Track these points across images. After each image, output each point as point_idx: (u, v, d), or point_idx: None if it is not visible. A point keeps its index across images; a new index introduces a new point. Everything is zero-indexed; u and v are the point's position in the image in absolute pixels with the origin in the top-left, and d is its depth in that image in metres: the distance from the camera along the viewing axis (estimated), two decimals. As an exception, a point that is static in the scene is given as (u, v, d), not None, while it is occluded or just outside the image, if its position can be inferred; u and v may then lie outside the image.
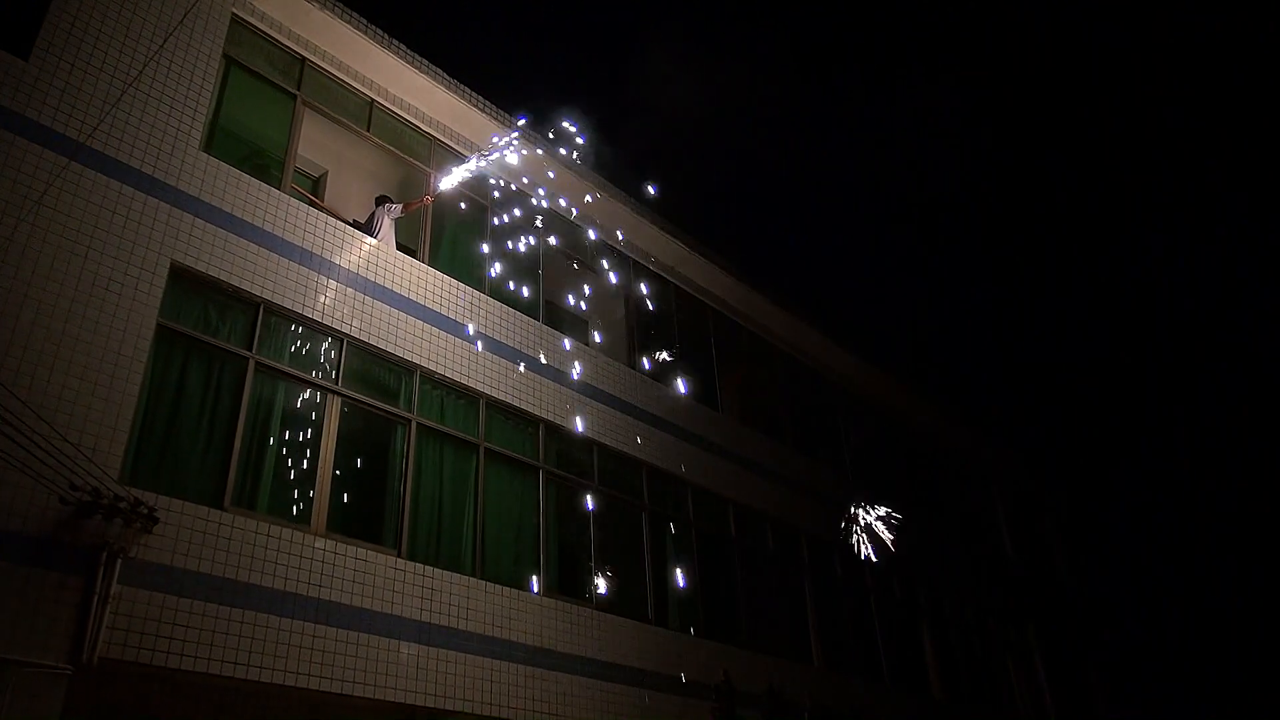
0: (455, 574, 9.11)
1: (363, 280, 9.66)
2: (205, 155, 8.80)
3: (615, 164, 13.11)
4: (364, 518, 9.01)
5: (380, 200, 10.84)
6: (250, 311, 8.59)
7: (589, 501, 11.14)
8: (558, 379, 11.33)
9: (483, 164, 11.44)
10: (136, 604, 6.81)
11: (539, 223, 12.52)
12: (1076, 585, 22.39)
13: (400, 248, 10.62)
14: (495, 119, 11.93)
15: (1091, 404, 52.62)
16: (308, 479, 8.54)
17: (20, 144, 7.46)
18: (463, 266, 11.25)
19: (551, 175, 12.62)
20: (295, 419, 8.75)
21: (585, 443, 11.36)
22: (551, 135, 12.34)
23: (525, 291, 11.82)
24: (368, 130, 10.91)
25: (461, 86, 11.65)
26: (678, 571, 11.98)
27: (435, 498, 9.59)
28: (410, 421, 9.53)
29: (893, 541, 14.84)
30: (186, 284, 8.24)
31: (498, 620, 9.21)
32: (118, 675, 7.04)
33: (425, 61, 11.27)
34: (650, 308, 13.97)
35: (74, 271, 7.40)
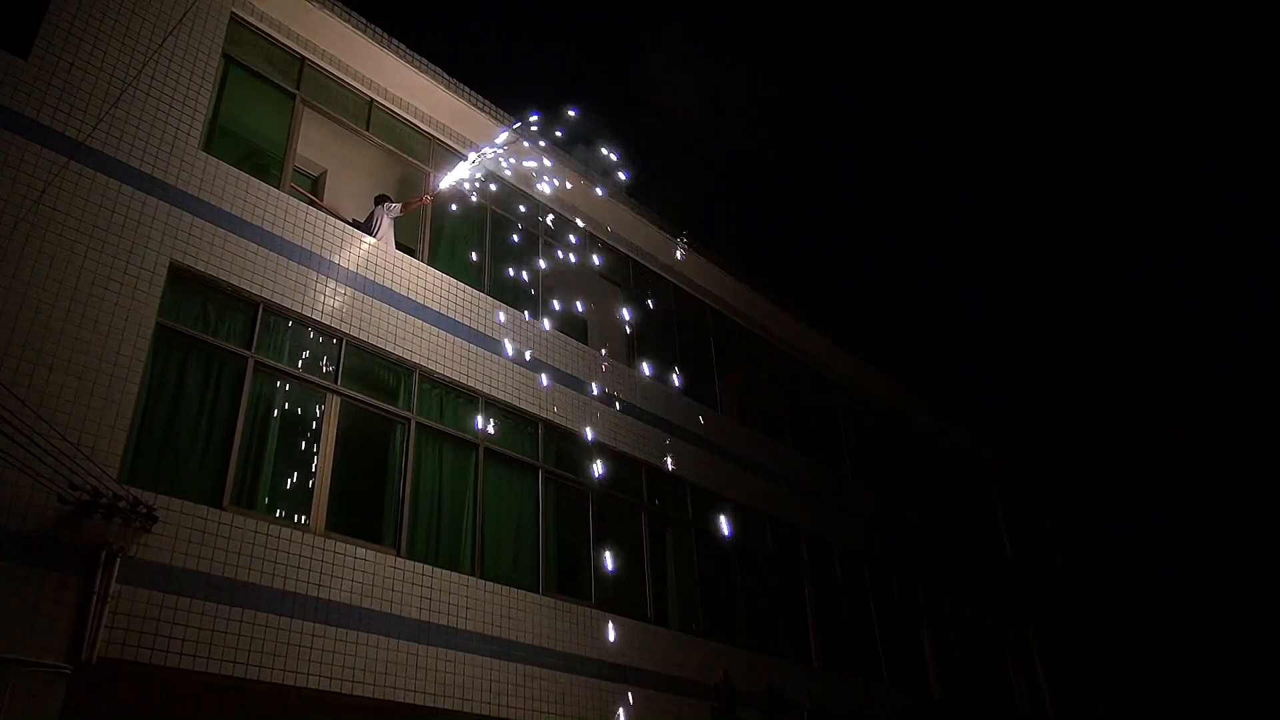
0: (454, 573, 9.11)
1: (362, 279, 9.65)
2: (204, 154, 8.80)
3: (615, 163, 13.10)
4: (363, 517, 9.01)
5: (379, 199, 10.84)
6: (249, 311, 8.59)
7: (588, 501, 11.15)
8: (557, 378, 11.33)
9: (482, 163, 11.45)
10: (136, 603, 6.80)
11: (538, 222, 12.52)
12: (1076, 585, 22.39)
13: (399, 247, 10.62)
14: (494, 118, 11.93)
15: (1091, 404, 52.62)
16: (307, 478, 8.54)
17: (19, 143, 7.46)
18: (462, 266, 11.25)
19: (551, 175, 12.62)
20: (294, 418, 8.75)
21: (585, 442, 11.36)
22: (551, 135, 12.35)
23: (524, 290, 11.82)
24: (367, 129, 10.91)
25: (461, 86, 11.65)
26: (677, 571, 11.99)
27: (434, 497, 9.59)
28: (410, 421, 9.53)
29: None
30: (186, 283, 8.23)
31: (497, 619, 9.21)
32: (117, 674, 7.04)
33: (424, 61, 11.27)
34: (650, 307, 13.97)
35: (73, 270, 7.40)
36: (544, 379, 11.12)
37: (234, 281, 8.48)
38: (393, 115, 11.26)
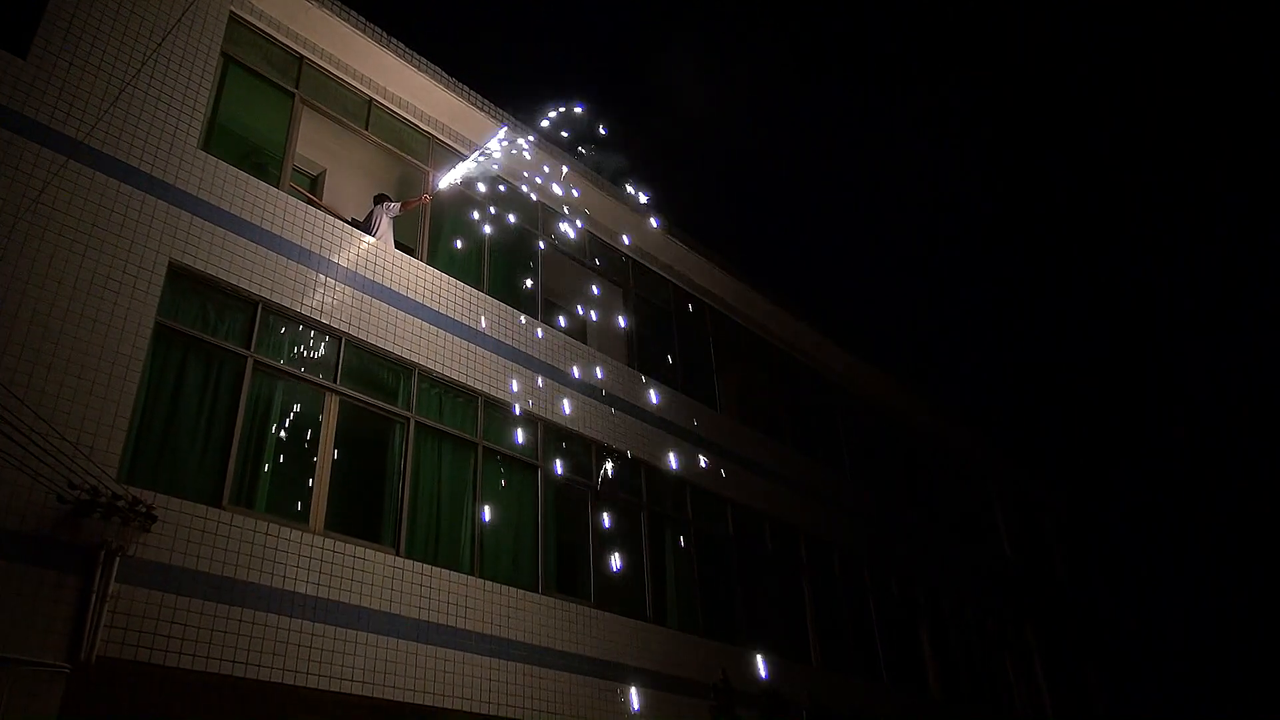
0: (453, 572, 9.11)
1: (361, 279, 9.65)
2: (203, 154, 8.79)
3: (614, 163, 13.11)
4: (362, 516, 9.01)
5: (378, 199, 10.84)
6: (248, 310, 8.59)
7: (587, 500, 11.15)
8: (556, 378, 11.33)
9: (481, 162, 11.45)
10: (135, 602, 6.81)
11: (537, 221, 12.53)
12: (1075, 585, 22.40)
13: (399, 246, 10.62)
14: (494, 118, 11.93)
15: (1091, 404, 52.61)
16: (306, 477, 8.54)
17: (18, 142, 7.46)
18: (461, 265, 11.25)
19: (550, 174, 12.62)
20: (293, 417, 8.74)
21: (584, 441, 11.36)
22: (550, 134, 12.35)
23: (523, 290, 11.82)
24: (366, 129, 10.90)
25: (460, 85, 11.65)
26: (676, 570, 11.99)
27: (434, 496, 9.59)
28: (409, 420, 9.53)
29: None
30: (185, 282, 8.23)
31: (496, 619, 9.21)
32: (116, 674, 7.03)
33: (424, 60, 11.27)
34: (649, 307, 13.98)
35: (72, 270, 7.40)
36: (543, 378, 11.12)
37: (233, 281, 8.48)
38: (392, 114, 11.26)
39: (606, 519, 11.27)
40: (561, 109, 11.45)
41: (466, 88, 11.75)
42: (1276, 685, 29.49)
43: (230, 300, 8.52)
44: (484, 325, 10.77)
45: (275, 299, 8.73)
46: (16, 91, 7.62)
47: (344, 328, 9.24)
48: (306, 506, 8.39)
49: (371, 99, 11.03)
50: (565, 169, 12.68)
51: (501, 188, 12.15)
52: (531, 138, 12.14)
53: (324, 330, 9.14)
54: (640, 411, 12.34)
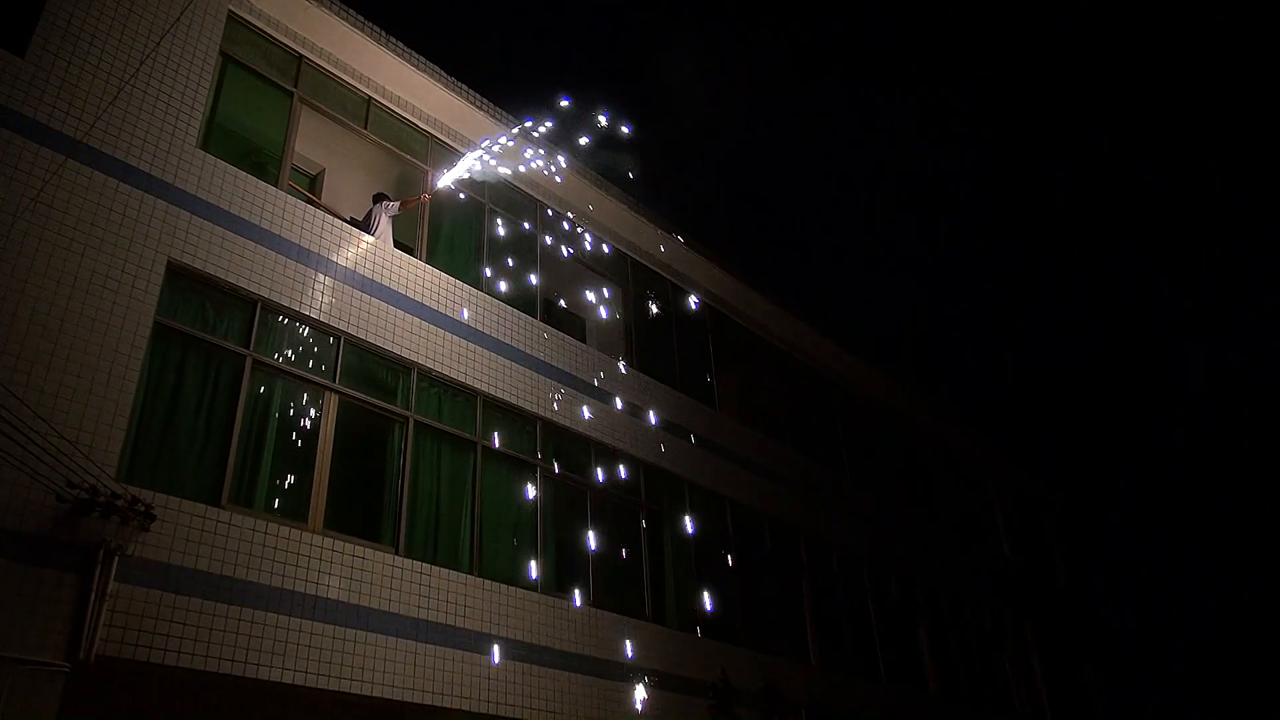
0: (452, 571, 9.11)
1: (360, 278, 9.65)
2: (202, 153, 8.79)
3: (613, 162, 13.10)
4: (361, 515, 9.01)
5: (377, 198, 10.83)
6: (247, 309, 8.59)
7: (587, 499, 11.15)
8: (556, 377, 11.33)
9: (480, 162, 11.44)
10: (134, 601, 6.80)
11: (536, 220, 12.53)
12: (1074, 585, 22.40)
13: (398, 245, 10.62)
14: (493, 117, 11.92)
15: (1091, 404, 52.62)
16: (305, 476, 8.54)
17: (17, 141, 7.46)
18: (460, 264, 11.25)
19: (549, 173, 12.61)
20: (292, 416, 8.74)
21: (583, 440, 11.37)
22: (549, 133, 12.34)
23: (523, 289, 11.82)
24: (365, 128, 10.90)
25: (459, 84, 11.65)
26: (675, 569, 11.99)
27: (433, 495, 9.59)
28: (408, 419, 9.53)
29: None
30: (183, 281, 8.23)
31: (495, 617, 9.21)
32: (115, 673, 7.04)
33: (423, 59, 11.26)
34: (648, 306, 13.97)
35: (71, 269, 7.40)
36: (542, 377, 11.12)
37: (232, 280, 8.48)
38: (391, 114, 11.26)
39: (605, 518, 11.27)
40: (561, 109, 11.44)
41: (465, 87, 11.75)
42: (1276, 685, 29.49)
43: (229, 299, 8.52)
44: (483, 324, 10.77)
45: (274, 298, 8.73)
46: (15, 90, 7.62)
47: (343, 327, 9.23)
48: (305, 505, 8.39)
49: (370, 98, 11.03)
50: (565, 168, 12.67)
51: (500, 187, 12.15)
52: (530, 137, 12.13)
53: (323, 329, 9.14)
54: (639, 411, 12.34)
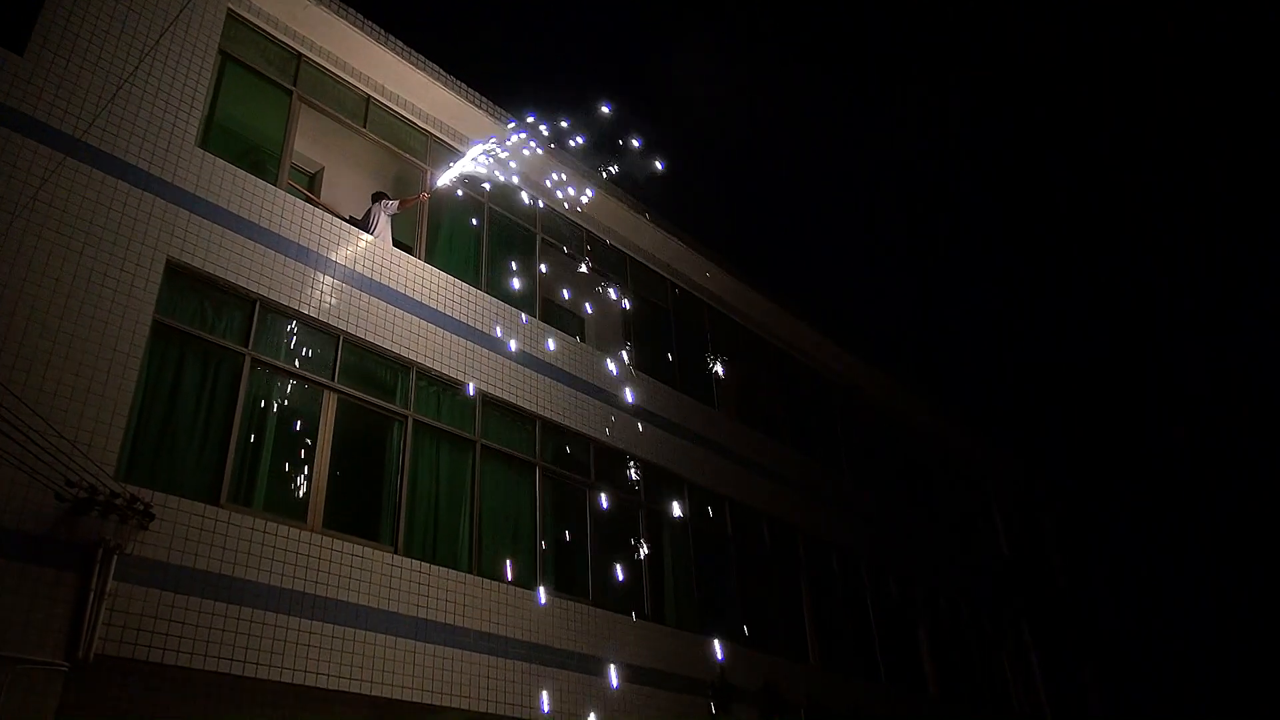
0: (451, 570, 9.10)
1: (359, 276, 9.65)
2: (201, 151, 8.78)
3: (613, 161, 13.09)
4: (360, 514, 9.00)
5: (376, 196, 10.82)
6: (246, 308, 8.58)
7: (585, 498, 11.15)
8: (555, 376, 11.33)
9: (479, 161, 11.43)
10: (132, 600, 6.80)
11: (536, 219, 12.52)
12: (1073, 584, 22.41)
13: (396, 244, 10.61)
14: (492, 115, 11.92)
15: (1091, 404, 52.64)
16: (304, 475, 8.53)
17: (16, 139, 7.45)
18: (459, 263, 11.24)
19: (549, 172, 12.61)
20: (291, 415, 8.74)
21: (582, 439, 11.36)
22: (549, 132, 12.33)
23: (522, 288, 11.81)
24: (364, 126, 10.89)
25: (458, 83, 11.64)
26: (674, 568, 11.99)
27: (432, 494, 9.58)
28: (407, 418, 9.53)
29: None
30: (182, 280, 8.22)
31: (494, 616, 9.21)
32: (114, 671, 7.03)
33: (422, 58, 11.26)
34: (648, 305, 13.97)
35: (70, 267, 7.39)
36: (541, 376, 11.12)
37: (231, 278, 8.47)
38: (390, 112, 11.25)
39: (604, 517, 11.27)
40: (560, 108, 11.45)
41: (465, 85, 11.74)
42: (1276, 685, 29.50)
43: (228, 298, 8.51)
44: (482, 323, 10.76)
45: (273, 297, 8.72)
46: (14, 88, 7.61)
47: (342, 326, 9.23)
48: (304, 504, 8.38)
49: (370, 96, 11.02)
50: (564, 167, 12.67)
51: (500, 186, 12.14)
52: (529, 136, 12.12)
53: (322, 328, 9.13)
54: (638, 409, 12.34)
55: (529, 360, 11.09)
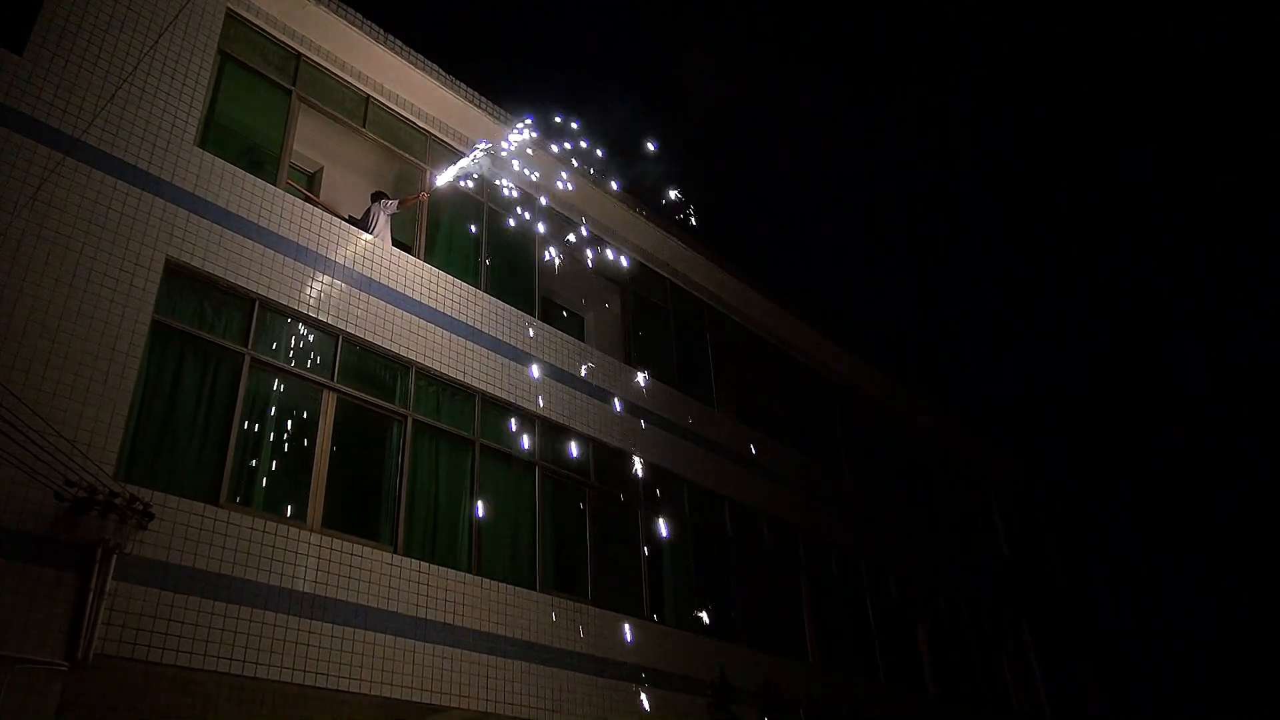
0: (451, 570, 9.10)
1: (358, 276, 9.65)
2: (200, 151, 8.78)
3: (612, 160, 13.10)
4: (360, 514, 9.00)
5: (376, 196, 10.82)
6: (245, 307, 8.58)
7: (585, 498, 11.15)
8: (554, 375, 11.32)
9: (478, 160, 11.43)
10: (132, 600, 6.79)
11: (535, 219, 12.51)
12: (1072, 584, 22.41)
13: (396, 244, 10.61)
14: (491, 115, 11.92)
15: (1090, 404, 52.64)
16: (303, 475, 8.53)
17: (15, 139, 7.45)
18: (458, 262, 11.24)
19: (547, 171, 12.61)
20: (291, 415, 8.73)
21: (582, 439, 11.36)
22: (548, 132, 12.34)
23: (521, 287, 11.81)
24: (363, 126, 10.89)
25: (457, 83, 11.64)
26: (674, 568, 11.99)
27: (431, 494, 9.58)
28: (406, 418, 9.52)
29: None
30: (182, 280, 8.22)
31: (494, 616, 9.21)
32: (114, 671, 7.04)
33: (421, 57, 11.25)
34: (647, 304, 13.97)
35: (69, 267, 7.38)
36: (541, 376, 11.12)
37: (230, 278, 8.47)
38: (389, 112, 11.25)
39: (603, 516, 11.27)
40: (559, 107, 11.44)
41: (464, 85, 11.74)
42: (1276, 685, 29.50)
43: (227, 297, 8.51)
44: (481, 323, 10.76)
45: (272, 296, 8.72)
46: (12, 88, 7.61)
47: (341, 325, 9.23)
48: (304, 504, 8.38)
49: (369, 96, 11.02)
50: (562, 167, 12.66)
51: (499, 185, 12.14)
52: (529, 136, 12.12)
53: (321, 328, 9.13)
54: (637, 409, 12.34)
55: (528, 360, 11.09)
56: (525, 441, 10.70)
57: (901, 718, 14.58)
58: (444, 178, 11.17)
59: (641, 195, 14.00)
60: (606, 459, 11.64)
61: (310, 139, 11.16)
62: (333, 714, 8.51)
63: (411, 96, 11.43)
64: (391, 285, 9.94)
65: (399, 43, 10.99)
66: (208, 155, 8.81)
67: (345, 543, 8.32)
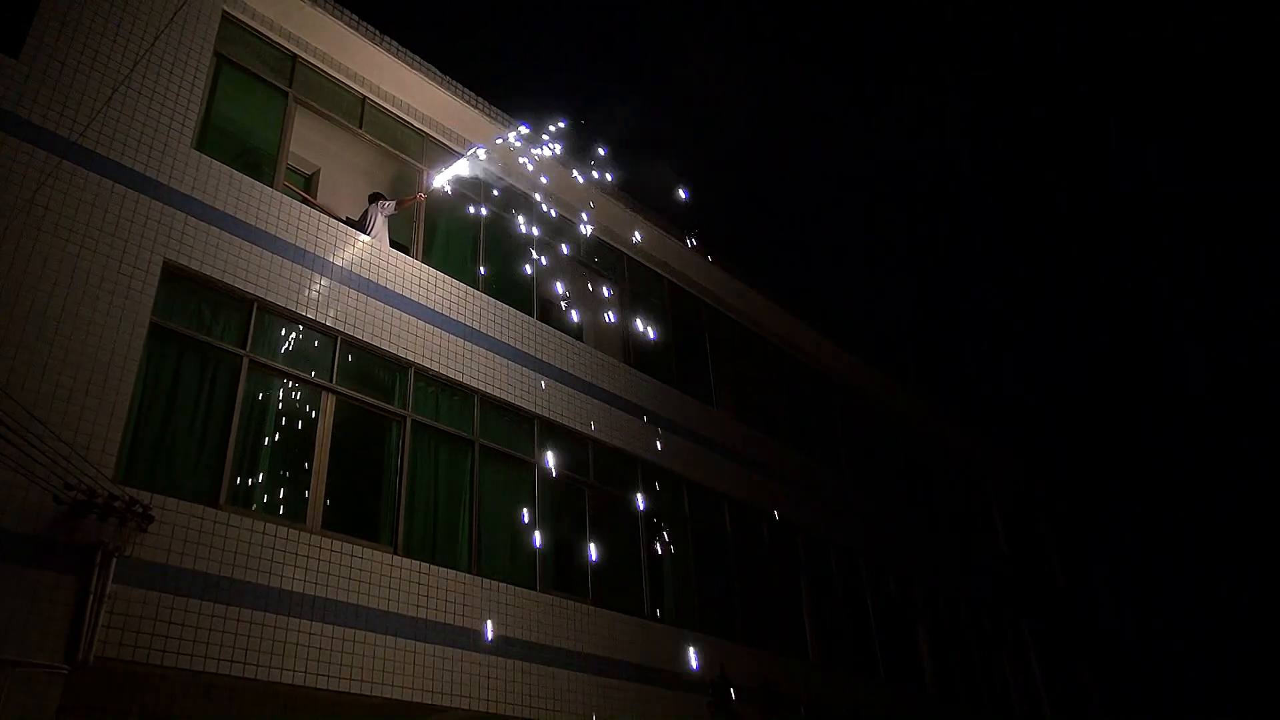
0: (451, 570, 9.11)
1: (356, 277, 9.65)
2: (197, 153, 8.78)
3: (610, 160, 13.10)
4: (359, 515, 9.00)
5: (373, 197, 10.83)
6: (244, 309, 8.59)
7: (584, 497, 11.15)
8: (552, 375, 11.33)
9: (476, 161, 11.44)
10: (132, 603, 6.80)
11: (532, 219, 12.52)
12: (1072, 584, 22.41)
13: (393, 245, 10.61)
14: (488, 115, 11.93)
15: (1090, 404, 52.65)
16: (303, 477, 8.53)
17: (11, 143, 7.45)
18: (456, 263, 11.25)
19: (545, 171, 12.61)
20: (290, 417, 8.74)
21: (581, 439, 11.36)
22: (545, 132, 12.34)
23: (519, 288, 11.82)
24: (360, 127, 10.90)
25: (453, 83, 11.65)
26: (673, 566, 11.99)
27: (431, 494, 9.58)
28: (405, 419, 9.53)
29: None
30: (179, 282, 8.23)
31: (494, 616, 9.21)
32: (114, 674, 7.05)
33: (417, 58, 11.26)
34: (645, 303, 13.98)
35: (67, 270, 7.39)
36: (539, 376, 11.12)
37: (228, 280, 8.47)
38: (386, 113, 11.25)
39: (603, 515, 11.28)
40: (557, 107, 11.45)
41: (460, 85, 11.75)
42: (1276, 685, 29.50)
43: (225, 300, 8.52)
44: (480, 323, 10.77)
45: (270, 298, 8.73)
46: (9, 91, 7.61)
47: (340, 327, 9.23)
48: (303, 506, 8.38)
49: (365, 97, 11.02)
50: (560, 167, 12.67)
51: (496, 186, 12.15)
52: (526, 136, 12.12)
53: (319, 329, 9.14)
54: (636, 407, 12.34)
55: (527, 359, 11.09)
56: (524, 441, 10.71)
57: (901, 716, 14.59)
58: (441, 179, 11.17)
59: (640, 194, 14.01)
60: (605, 458, 11.64)
61: (307, 141, 11.17)
62: (333, 715, 8.51)
63: (408, 97, 11.44)
64: (389, 286, 9.95)
65: (395, 44, 10.99)
66: (205, 158, 8.82)
67: (345, 544, 8.32)
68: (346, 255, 9.67)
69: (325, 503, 8.50)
